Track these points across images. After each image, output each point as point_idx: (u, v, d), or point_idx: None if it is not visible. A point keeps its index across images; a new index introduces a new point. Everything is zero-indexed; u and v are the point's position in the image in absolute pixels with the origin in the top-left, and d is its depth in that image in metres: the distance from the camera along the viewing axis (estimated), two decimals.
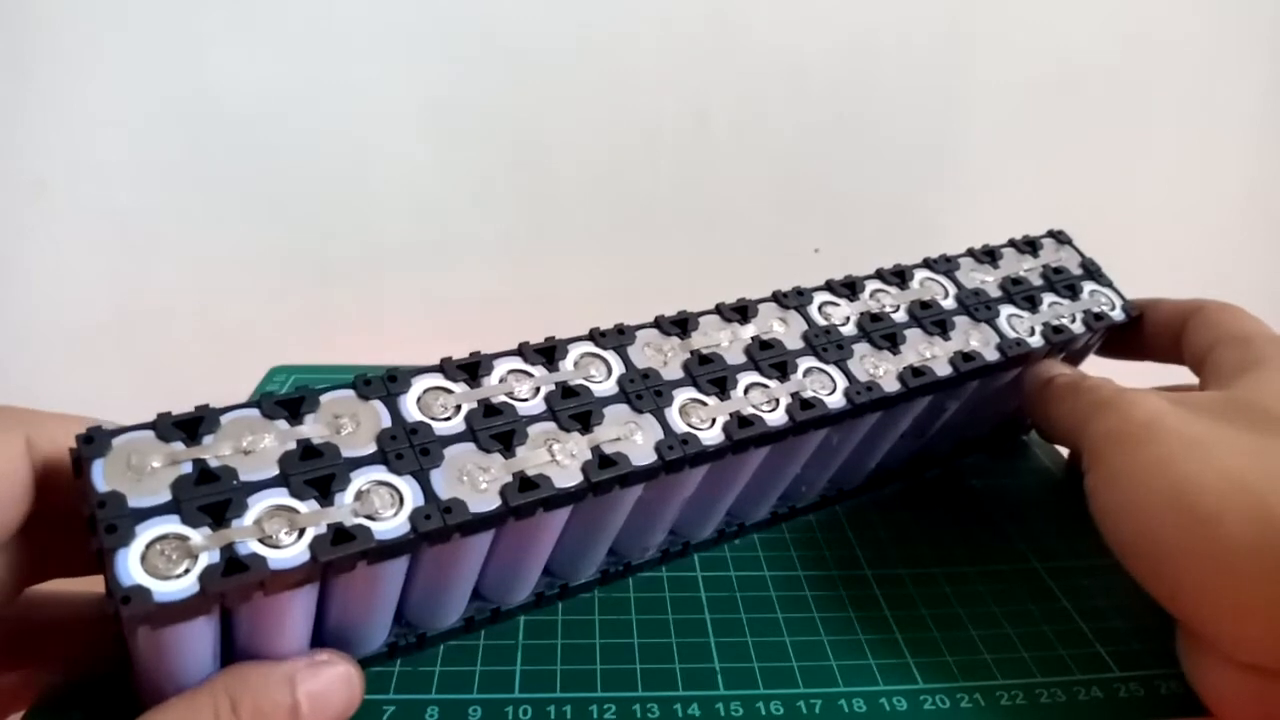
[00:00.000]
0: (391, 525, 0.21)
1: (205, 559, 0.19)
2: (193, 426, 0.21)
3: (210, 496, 0.20)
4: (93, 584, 0.23)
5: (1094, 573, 0.33)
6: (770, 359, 0.28)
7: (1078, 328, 0.34)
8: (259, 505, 0.21)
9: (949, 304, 0.33)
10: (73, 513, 0.21)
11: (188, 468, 0.21)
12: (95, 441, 0.20)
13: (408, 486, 0.22)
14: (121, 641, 0.21)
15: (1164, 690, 0.28)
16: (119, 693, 0.24)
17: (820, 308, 0.31)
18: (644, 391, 0.26)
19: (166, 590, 0.19)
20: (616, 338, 0.27)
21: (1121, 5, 0.53)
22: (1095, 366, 0.40)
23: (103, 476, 0.20)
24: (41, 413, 0.22)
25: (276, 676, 0.23)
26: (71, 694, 0.25)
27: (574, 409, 0.25)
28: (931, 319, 0.32)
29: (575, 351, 0.27)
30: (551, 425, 0.25)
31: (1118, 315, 0.35)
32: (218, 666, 0.23)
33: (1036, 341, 0.33)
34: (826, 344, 0.30)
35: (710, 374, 0.27)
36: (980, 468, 0.40)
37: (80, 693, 0.25)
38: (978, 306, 0.33)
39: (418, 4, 0.47)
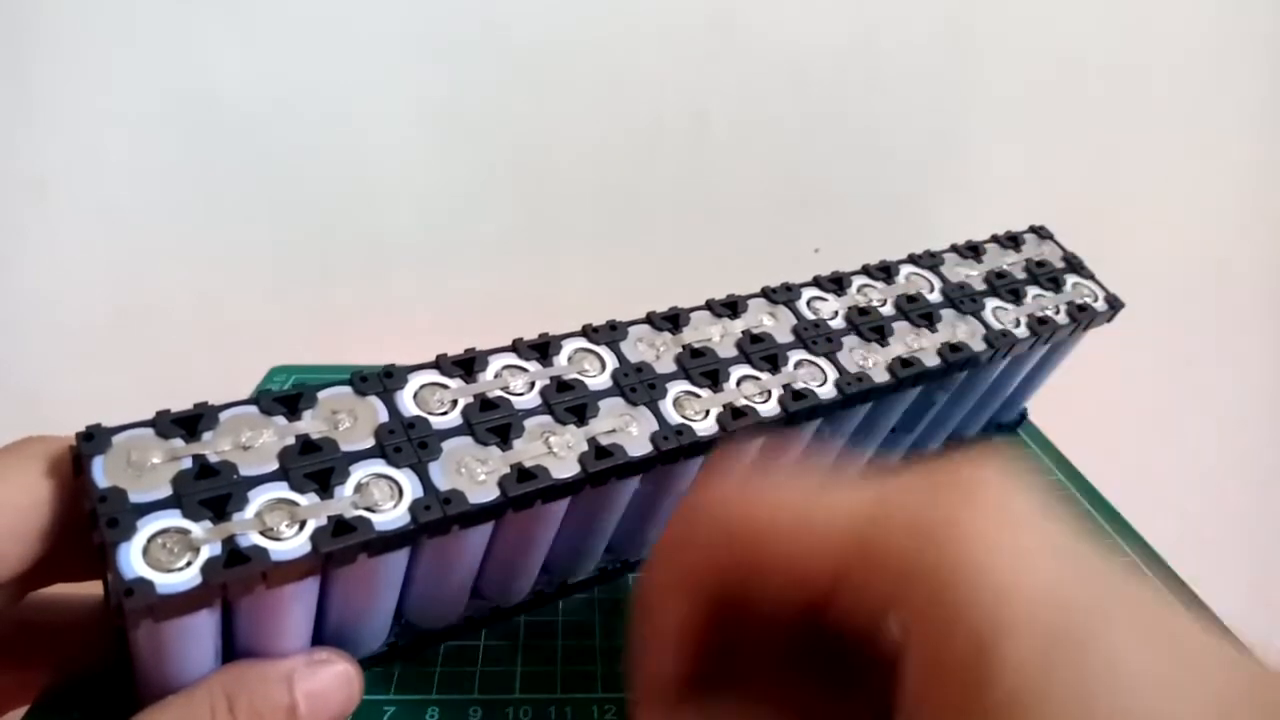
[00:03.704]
0: (392, 517, 0.21)
1: (207, 551, 0.19)
2: (192, 423, 0.22)
3: (211, 491, 0.20)
4: (91, 588, 0.23)
5: None
6: (761, 352, 0.29)
7: (1062, 319, 0.35)
8: (259, 499, 0.21)
9: (935, 298, 0.34)
10: (76, 520, 0.21)
11: (188, 463, 0.21)
12: (95, 439, 0.20)
13: (407, 479, 0.22)
14: (121, 641, 0.21)
15: None
16: (118, 692, 0.23)
17: (809, 303, 0.31)
18: (638, 385, 0.26)
19: (169, 582, 0.19)
20: (609, 333, 0.28)
21: (1121, 4, 0.54)
22: (1087, 362, 0.40)
23: (103, 473, 0.20)
24: (56, 438, 0.22)
25: (274, 675, 0.23)
26: (71, 694, 0.25)
27: (569, 402, 0.25)
28: (918, 312, 0.32)
29: (569, 347, 0.27)
30: (548, 418, 0.25)
31: (1100, 306, 0.36)
32: (218, 665, 0.23)
33: (1022, 332, 0.33)
34: (816, 337, 0.30)
35: (703, 367, 0.28)
36: None
37: (80, 692, 0.25)
38: (963, 300, 0.34)
39: (417, 3, 0.47)
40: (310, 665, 0.23)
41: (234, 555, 0.19)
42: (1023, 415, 0.43)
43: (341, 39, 0.48)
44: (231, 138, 0.49)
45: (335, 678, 0.24)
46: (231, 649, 0.23)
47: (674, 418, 0.26)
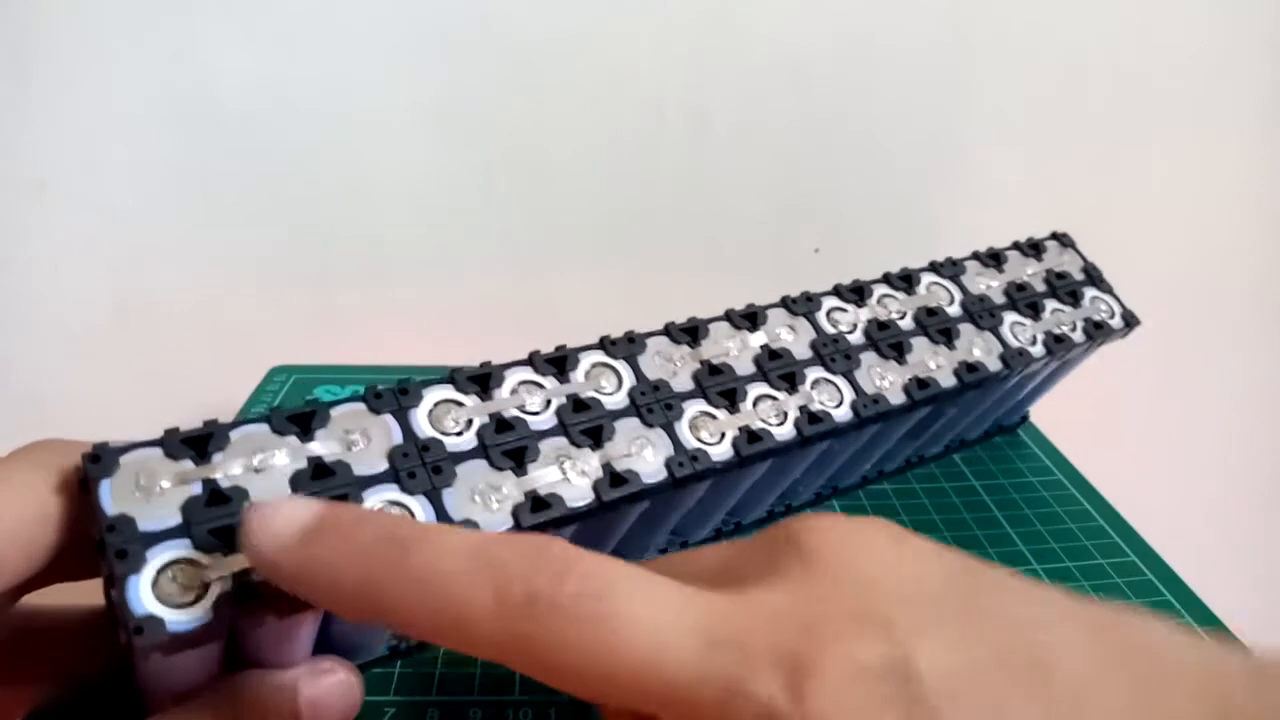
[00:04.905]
0: None
1: (218, 586, 0.19)
2: (201, 444, 0.21)
3: (221, 519, 0.20)
4: (88, 590, 0.23)
5: (1093, 573, 0.34)
6: (779, 370, 0.28)
7: (1078, 337, 0.34)
8: None
9: (954, 310, 0.33)
10: (82, 530, 0.20)
11: (198, 488, 0.20)
12: (102, 460, 0.20)
13: (420, 507, 0.22)
14: (123, 652, 0.21)
15: None
16: (121, 702, 0.23)
17: (828, 314, 0.31)
18: (655, 405, 0.26)
19: (179, 619, 0.18)
20: (627, 346, 0.27)
21: (1122, 4, 0.52)
22: (1088, 362, 0.40)
23: (111, 497, 0.19)
24: (66, 442, 0.21)
25: (277, 685, 0.23)
26: (69, 706, 0.24)
27: (585, 424, 0.25)
28: (937, 327, 0.32)
29: (586, 361, 0.26)
30: (563, 440, 0.24)
31: (1116, 324, 0.36)
32: (222, 673, 0.23)
33: (1038, 350, 0.33)
34: (835, 354, 0.29)
35: (720, 385, 0.27)
36: (979, 466, 0.40)
37: (79, 705, 0.24)
38: (982, 314, 0.33)
39: (418, 5, 0.46)
40: (313, 674, 0.23)
41: (245, 589, 0.19)
42: (1024, 417, 0.43)
43: (342, 39, 0.46)
44: (231, 137, 0.47)
45: (337, 686, 0.24)
46: (235, 658, 0.23)
47: (690, 441, 0.26)
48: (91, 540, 0.19)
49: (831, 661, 0.15)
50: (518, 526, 0.22)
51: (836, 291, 0.32)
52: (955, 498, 0.38)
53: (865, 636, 0.16)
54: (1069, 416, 0.44)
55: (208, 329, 0.51)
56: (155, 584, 0.19)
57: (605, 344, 0.27)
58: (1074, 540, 0.36)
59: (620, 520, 0.27)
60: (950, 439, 0.39)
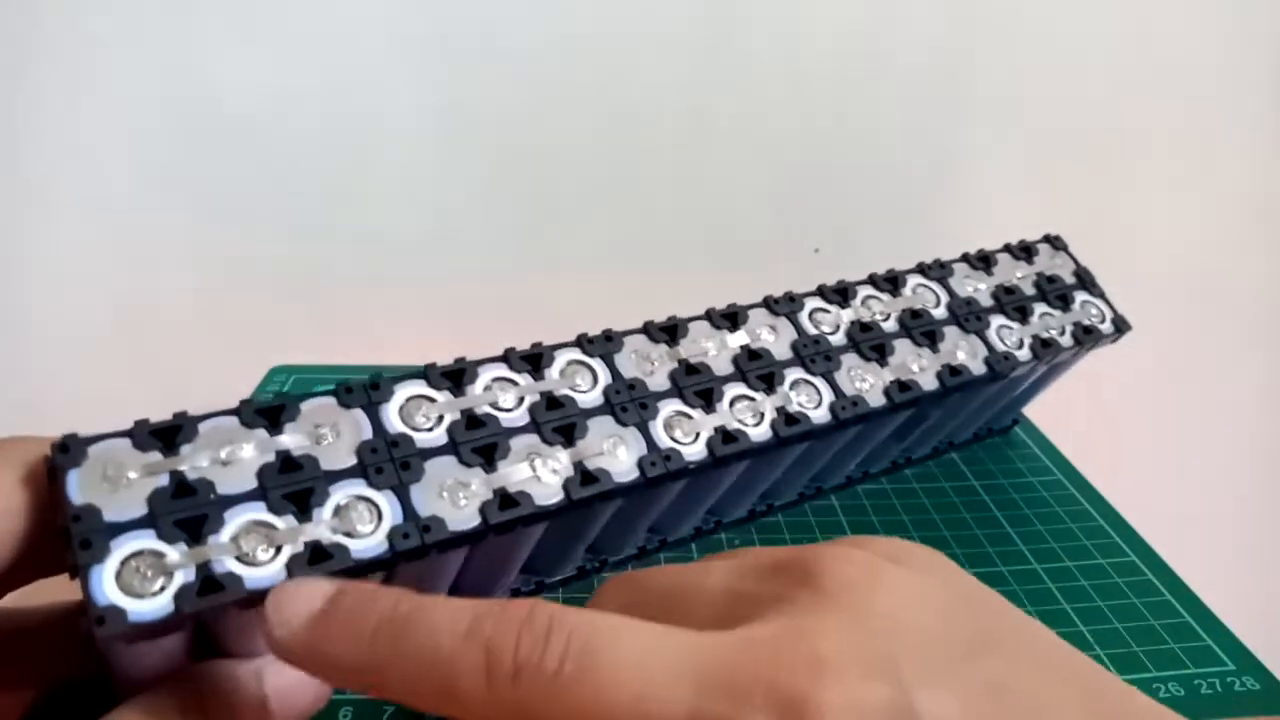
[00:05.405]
0: (369, 543, 0.21)
1: (181, 577, 0.19)
2: (170, 435, 0.21)
3: (187, 511, 0.20)
4: (73, 588, 0.23)
5: (1093, 573, 0.34)
6: (758, 370, 0.28)
7: (1066, 341, 0.34)
8: (236, 521, 0.20)
9: (940, 313, 0.33)
10: (50, 526, 0.20)
11: (165, 480, 0.20)
12: (71, 450, 0.20)
13: (387, 502, 0.22)
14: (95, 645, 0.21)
15: (1161, 694, 0.29)
16: (99, 697, 0.23)
17: (811, 314, 0.31)
18: (629, 404, 0.26)
19: (142, 609, 0.19)
20: (604, 345, 0.27)
21: (1122, 5, 0.52)
22: (1087, 362, 0.40)
23: (78, 487, 0.20)
24: (36, 439, 0.21)
25: (244, 671, 0.23)
26: (64, 709, 0.24)
27: (558, 421, 0.25)
28: (921, 329, 0.32)
29: (561, 359, 0.26)
30: (534, 438, 0.24)
31: (1106, 328, 0.35)
32: (191, 661, 0.23)
33: (1024, 355, 0.33)
34: (815, 355, 0.29)
35: (697, 385, 0.27)
36: (979, 466, 0.40)
37: (75, 705, 0.24)
38: (968, 317, 0.33)
39: (418, 6, 0.46)
40: (279, 662, 0.23)
41: (208, 582, 0.19)
42: (1015, 420, 0.43)
43: (342, 40, 0.47)
44: (232, 138, 0.47)
45: (304, 673, 0.24)
46: (204, 645, 0.23)
47: (664, 440, 0.26)
48: (60, 535, 0.20)
49: (834, 703, 0.15)
50: (485, 523, 0.22)
51: (820, 292, 0.32)
52: (955, 497, 0.38)
53: (872, 679, 0.16)
54: (1068, 415, 0.44)
55: (208, 329, 0.52)
56: (119, 575, 0.19)
57: (582, 341, 0.27)
58: (1074, 540, 0.36)
59: (594, 519, 0.27)
60: (938, 441, 0.39)
